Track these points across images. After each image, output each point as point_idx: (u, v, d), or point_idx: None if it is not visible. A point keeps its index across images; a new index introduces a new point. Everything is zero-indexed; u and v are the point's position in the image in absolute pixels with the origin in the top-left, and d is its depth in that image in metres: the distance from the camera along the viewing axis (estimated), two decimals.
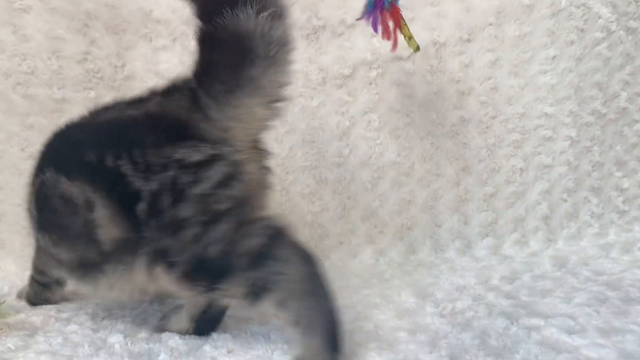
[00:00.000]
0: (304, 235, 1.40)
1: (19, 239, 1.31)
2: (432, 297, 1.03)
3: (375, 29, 1.08)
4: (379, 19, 1.07)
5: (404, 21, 1.10)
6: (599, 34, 1.44)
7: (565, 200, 1.47)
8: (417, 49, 1.16)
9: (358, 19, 1.12)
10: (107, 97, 1.34)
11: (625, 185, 1.51)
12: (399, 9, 1.08)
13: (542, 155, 1.45)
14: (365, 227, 1.42)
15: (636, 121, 1.51)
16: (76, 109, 1.32)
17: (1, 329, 0.88)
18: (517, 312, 0.93)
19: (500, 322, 0.89)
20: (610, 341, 0.80)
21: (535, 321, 0.89)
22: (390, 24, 1.10)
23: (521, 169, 1.45)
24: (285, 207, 1.42)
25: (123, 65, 1.35)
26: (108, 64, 1.34)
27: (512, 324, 0.88)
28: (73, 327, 0.90)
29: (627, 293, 1.04)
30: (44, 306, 1.00)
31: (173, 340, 0.83)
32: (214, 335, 0.86)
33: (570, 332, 0.84)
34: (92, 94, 1.34)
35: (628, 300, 0.99)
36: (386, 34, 1.08)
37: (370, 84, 1.42)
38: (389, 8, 1.07)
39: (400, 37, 1.13)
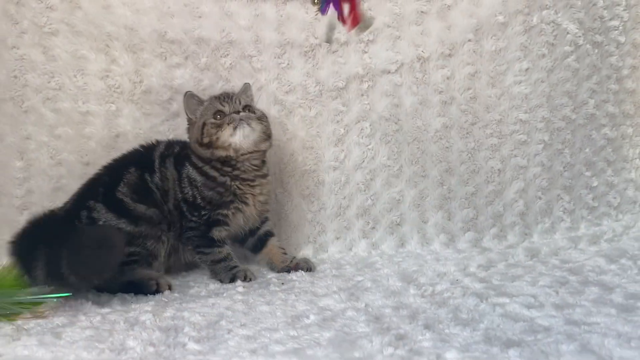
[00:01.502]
0: (304, 231, 1.55)
1: None
2: (416, 282, 1.18)
3: (340, 14, 1.01)
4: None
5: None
6: (567, 48, 1.60)
7: (540, 198, 1.62)
8: (367, 27, 1.08)
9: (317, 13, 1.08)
10: (126, 110, 1.50)
11: (595, 184, 1.66)
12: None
13: (518, 157, 1.60)
14: (359, 223, 1.57)
15: (603, 125, 1.67)
16: (99, 121, 1.49)
17: (47, 310, 1.03)
18: (487, 293, 1.08)
19: (472, 300, 1.04)
20: (561, 313, 0.95)
21: (501, 300, 1.04)
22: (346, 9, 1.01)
23: (499, 170, 1.60)
24: (287, 207, 1.57)
25: (141, 81, 1.50)
26: (127, 80, 1.49)
27: (482, 302, 1.03)
28: (107, 309, 1.06)
29: (586, 277, 1.19)
30: (80, 291, 1.15)
31: (194, 317, 0.99)
32: (230, 313, 1.01)
33: (529, 307, 0.99)
34: (113, 107, 1.49)
35: (585, 283, 1.14)
36: (348, 24, 1.01)
37: (362, 95, 1.57)
38: None
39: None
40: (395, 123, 1.58)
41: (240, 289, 1.17)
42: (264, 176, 1.37)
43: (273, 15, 1.53)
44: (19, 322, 0.97)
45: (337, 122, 1.57)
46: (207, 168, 1.31)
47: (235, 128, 1.28)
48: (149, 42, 1.49)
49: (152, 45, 1.50)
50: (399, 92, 1.57)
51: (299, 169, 1.58)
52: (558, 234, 1.60)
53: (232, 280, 1.24)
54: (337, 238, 1.56)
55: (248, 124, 1.29)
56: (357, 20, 1.02)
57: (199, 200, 1.29)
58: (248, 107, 1.35)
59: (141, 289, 1.16)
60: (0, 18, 1.43)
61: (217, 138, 1.28)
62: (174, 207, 1.30)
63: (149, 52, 1.50)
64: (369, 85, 1.57)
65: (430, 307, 1.01)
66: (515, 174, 1.61)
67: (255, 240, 1.40)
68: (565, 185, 1.63)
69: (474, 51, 1.57)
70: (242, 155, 1.31)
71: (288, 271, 1.32)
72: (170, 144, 1.38)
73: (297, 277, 1.27)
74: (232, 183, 1.30)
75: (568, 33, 1.59)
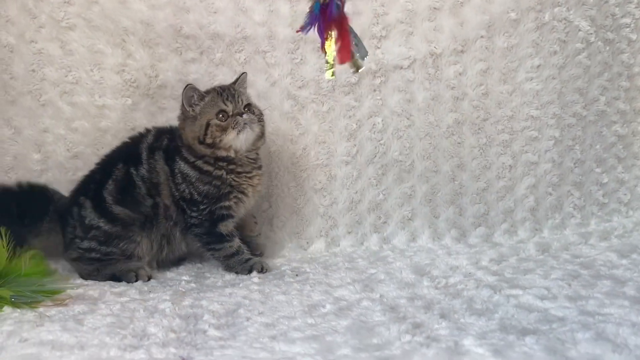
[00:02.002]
0: (317, 225, 1.57)
1: None
2: (429, 275, 1.20)
3: (322, 37, 0.88)
4: (324, 27, 0.87)
5: (353, 34, 0.89)
6: (579, 45, 1.60)
7: (550, 194, 1.62)
8: (358, 69, 0.93)
9: (298, 31, 0.92)
10: (142, 104, 1.52)
11: (605, 180, 1.66)
12: (347, 18, 0.88)
13: (529, 153, 1.61)
14: (371, 218, 1.58)
15: (614, 122, 1.67)
16: (115, 115, 1.51)
17: (66, 299, 1.05)
18: (500, 285, 1.10)
19: (485, 292, 1.05)
20: (575, 305, 0.96)
21: (515, 291, 1.05)
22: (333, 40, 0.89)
23: (510, 166, 1.61)
24: (299, 201, 1.59)
25: (156, 76, 1.52)
26: (143, 75, 1.51)
27: (495, 293, 1.04)
28: (126, 298, 1.08)
29: (598, 271, 1.20)
30: (98, 282, 1.18)
31: (212, 306, 1.00)
32: (247, 302, 1.03)
33: (543, 298, 1.00)
34: (129, 101, 1.51)
35: (597, 276, 1.15)
36: (323, 48, 0.89)
37: (375, 90, 1.59)
38: (336, 16, 0.86)
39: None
40: (408, 118, 1.59)
41: (255, 279, 1.19)
42: (259, 167, 1.39)
43: (287, 11, 1.54)
44: (41, 309, 0.99)
45: (350, 117, 1.59)
46: (199, 163, 1.30)
47: (239, 132, 1.28)
48: (164, 37, 1.51)
49: (168, 40, 1.51)
50: (411, 88, 1.58)
51: (312, 164, 1.59)
52: (568, 230, 1.60)
53: (250, 271, 1.26)
54: (349, 232, 1.57)
55: (251, 128, 1.30)
56: (347, 56, 0.87)
57: (195, 196, 1.29)
58: (248, 106, 1.34)
59: (121, 280, 1.21)
60: (18, 12, 1.45)
61: (221, 140, 1.28)
62: (173, 203, 1.30)
63: (164, 47, 1.51)
64: (381, 80, 1.58)
65: (444, 298, 1.03)
66: (526, 169, 1.61)
67: None
68: (576, 182, 1.64)
69: (486, 47, 1.58)
70: (240, 154, 1.32)
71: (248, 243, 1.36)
72: (159, 134, 1.36)
73: (311, 269, 1.29)
74: (228, 176, 1.31)
75: (580, 30, 1.60)
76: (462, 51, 1.58)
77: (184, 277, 1.25)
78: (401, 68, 1.58)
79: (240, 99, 1.32)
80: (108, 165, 1.34)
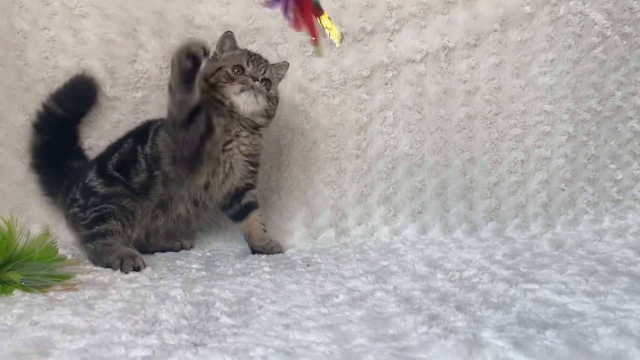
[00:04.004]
0: (326, 217, 1.55)
1: None
2: (442, 268, 1.18)
3: (286, 16, 0.87)
4: (289, 6, 0.86)
5: (323, 12, 0.88)
6: (594, 39, 1.58)
7: (563, 190, 1.61)
8: (341, 39, 0.96)
9: (264, 5, 0.91)
10: (153, 96, 1.51)
11: (619, 176, 1.64)
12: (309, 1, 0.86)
13: (541, 148, 1.60)
14: (380, 210, 1.57)
15: (630, 118, 1.65)
16: (126, 107, 1.50)
17: (76, 284, 1.04)
18: (516, 279, 1.08)
19: (501, 286, 1.03)
20: (593, 300, 0.94)
21: (531, 286, 1.03)
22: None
23: (522, 161, 1.59)
24: (309, 193, 1.58)
25: (167, 67, 1.51)
26: (154, 66, 1.51)
27: (511, 287, 1.02)
28: (136, 284, 1.07)
29: (615, 267, 1.18)
30: (108, 269, 1.17)
31: (224, 294, 0.99)
32: (259, 290, 1.02)
33: (560, 293, 0.98)
34: (140, 93, 1.50)
35: (615, 273, 1.13)
36: (296, 24, 0.87)
37: (386, 84, 1.57)
38: None
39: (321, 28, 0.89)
40: (419, 112, 1.58)
41: (266, 268, 1.18)
42: (256, 128, 1.36)
43: None
44: (51, 293, 0.98)
45: (361, 110, 1.58)
46: None
47: (242, 90, 1.29)
48: (176, 27, 1.51)
49: (180, 30, 1.51)
50: (423, 82, 1.57)
51: (322, 157, 1.58)
52: (581, 226, 1.59)
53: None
54: (359, 224, 1.56)
55: (255, 95, 1.29)
56: (315, 35, 0.86)
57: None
58: (267, 82, 1.34)
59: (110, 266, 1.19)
60: None
61: (222, 87, 1.30)
62: (172, 164, 1.29)
63: (176, 38, 1.51)
64: (393, 74, 1.57)
65: (459, 291, 1.01)
66: (539, 165, 1.60)
67: (238, 209, 1.38)
68: (589, 178, 1.62)
69: (500, 41, 1.56)
70: (234, 112, 1.31)
71: (261, 252, 1.34)
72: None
73: (322, 259, 1.27)
74: (215, 105, 1.29)
75: (595, 24, 1.58)
76: (475, 45, 1.57)
77: (194, 266, 1.23)
78: (413, 62, 1.56)
79: (263, 70, 1.34)
80: (122, 139, 1.39)
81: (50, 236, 1.10)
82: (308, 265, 1.23)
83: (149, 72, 1.51)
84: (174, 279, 1.11)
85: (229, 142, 1.32)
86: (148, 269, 1.18)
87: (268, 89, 1.34)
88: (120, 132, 1.49)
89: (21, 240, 1.04)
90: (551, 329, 0.77)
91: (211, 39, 1.52)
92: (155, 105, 1.51)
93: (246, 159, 1.35)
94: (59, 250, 1.10)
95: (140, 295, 0.99)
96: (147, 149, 1.33)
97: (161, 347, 0.74)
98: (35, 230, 1.26)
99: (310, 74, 1.56)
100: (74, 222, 1.33)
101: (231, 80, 1.30)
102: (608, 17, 1.58)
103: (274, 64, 1.40)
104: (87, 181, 1.32)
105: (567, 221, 1.59)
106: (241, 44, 1.53)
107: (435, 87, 1.57)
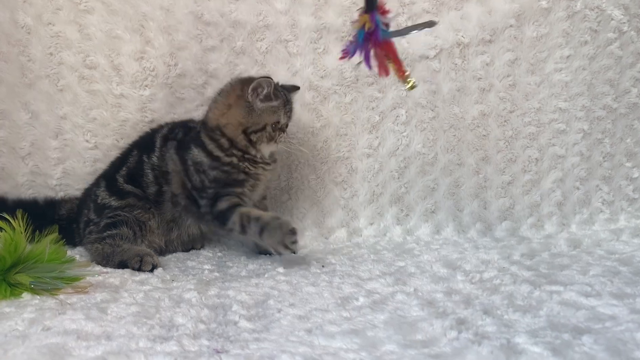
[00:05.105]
0: (337, 217, 1.52)
1: None
2: (461, 269, 1.15)
3: (368, 65, 0.90)
4: (371, 54, 0.89)
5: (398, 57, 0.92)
6: (611, 35, 1.55)
7: (578, 188, 1.58)
8: (413, 87, 0.97)
9: (342, 57, 0.91)
10: (161, 94, 1.48)
11: (635, 175, 1.61)
12: (392, 43, 0.91)
13: (556, 146, 1.57)
14: (393, 210, 1.54)
15: None
16: (133, 105, 1.47)
17: (87, 286, 1.01)
18: (539, 280, 1.05)
19: (525, 287, 1.00)
20: (622, 302, 0.91)
21: (555, 287, 1.00)
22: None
23: (537, 159, 1.57)
24: (319, 193, 1.54)
25: (176, 64, 1.48)
26: (162, 63, 1.47)
27: (535, 289, 0.99)
28: (148, 287, 1.04)
29: (638, 268, 1.15)
30: (118, 270, 1.14)
31: (240, 296, 0.96)
32: (276, 292, 0.99)
33: (587, 295, 0.95)
34: (147, 91, 1.46)
35: (639, 274, 1.11)
36: (382, 70, 0.90)
37: (399, 81, 1.54)
38: (382, 40, 0.88)
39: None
40: (432, 110, 1.55)
41: (280, 269, 1.15)
42: (275, 160, 1.37)
43: (310, 0, 1.50)
44: (61, 296, 0.95)
45: (372, 108, 1.54)
46: (212, 147, 1.27)
47: (274, 145, 1.30)
48: (184, 23, 1.47)
49: (188, 26, 1.47)
50: (436, 78, 1.54)
51: (332, 156, 1.55)
52: (597, 225, 1.56)
53: (290, 240, 1.16)
54: (371, 224, 1.53)
55: (283, 144, 1.32)
56: (401, 76, 0.93)
57: (206, 183, 1.26)
58: (286, 125, 1.34)
59: (127, 266, 1.17)
60: None
61: (260, 143, 1.28)
62: (183, 191, 1.28)
63: (184, 34, 1.47)
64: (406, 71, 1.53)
65: (482, 294, 0.98)
66: (553, 163, 1.57)
67: None
68: (605, 176, 1.60)
69: (515, 37, 1.53)
70: (258, 161, 1.31)
71: (265, 253, 1.32)
72: (174, 126, 1.37)
73: (336, 260, 1.25)
74: (241, 163, 1.28)
75: (612, 19, 1.55)
76: (490, 41, 1.53)
77: (206, 267, 1.21)
78: (427, 58, 1.53)
79: (292, 116, 1.35)
80: (126, 152, 1.37)
81: (59, 237, 1.07)
82: (323, 266, 1.20)
83: (157, 69, 1.47)
84: (187, 280, 1.08)
85: (253, 185, 1.31)
86: (159, 270, 1.15)
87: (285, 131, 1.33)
88: (127, 130, 1.46)
89: (29, 240, 1.01)
90: (587, 334, 0.75)
91: (220, 36, 1.49)
92: (164, 103, 1.48)
93: (265, 184, 1.36)
94: (68, 252, 1.07)
95: (153, 298, 0.96)
96: (155, 159, 1.31)
97: (182, 354, 0.72)
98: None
99: (321, 71, 1.52)
100: (88, 237, 1.27)
101: (270, 139, 1.28)
102: (625, 12, 1.55)
103: (290, 90, 1.36)
104: (99, 201, 1.29)
105: (582, 220, 1.56)
106: (250, 41, 1.50)
107: (449, 84, 1.54)
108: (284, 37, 1.50)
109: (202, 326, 0.82)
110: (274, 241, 1.15)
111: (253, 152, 1.28)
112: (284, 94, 1.31)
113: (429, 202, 1.55)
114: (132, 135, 1.44)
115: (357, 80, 1.54)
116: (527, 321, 0.83)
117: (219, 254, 1.35)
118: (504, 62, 1.54)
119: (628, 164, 1.61)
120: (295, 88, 1.39)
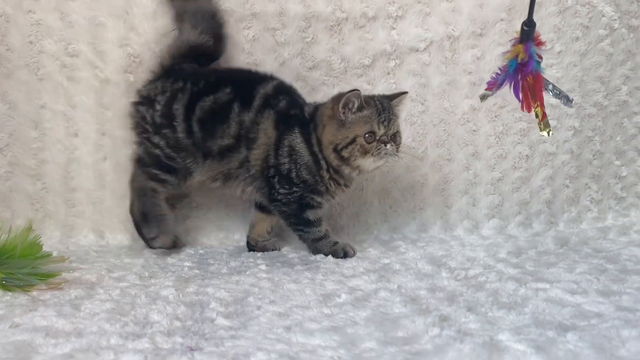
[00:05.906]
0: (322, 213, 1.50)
1: (63, 209, 1.41)
2: (446, 266, 1.14)
3: (518, 97, 0.88)
4: (520, 86, 0.87)
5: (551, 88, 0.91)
6: (602, 31, 1.54)
7: (567, 186, 1.57)
8: (549, 132, 0.94)
9: (488, 88, 0.92)
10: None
11: (624, 173, 1.61)
12: (542, 77, 0.89)
13: (546, 143, 1.55)
14: (380, 206, 1.52)
15: (635, 113, 1.62)
16: (117, 91, 1.43)
17: (61, 282, 0.98)
18: (524, 278, 1.04)
19: (510, 285, 0.99)
20: (609, 300, 0.90)
21: (541, 285, 0.99)
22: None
23: (527, 156, 1.55)
24: None
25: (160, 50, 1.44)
26: (147, 50, 1.43)
27: (521, 286, 0.98)
28: (125, 283, 1.01)
29: (624, 266, 1.15)
30: (95, 265, 1.11)
31: (219, 293, 0.94)
32: (256, 289, 0.96)
33: (573, 293, 0.94)
34: (132, 77, 1.42)
35: (625, 271, 1.10)
36: (526, 105, 0.88)
37: (389, 73, 1.51)
38: (533, 73, 0.87)
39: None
40: (422, 104, 1.53)
41: (263, 266, 1.13)
42: (350, 185, 1.33)
43: None
44: (34, 293, 0.92)
45: None
46: (317, 151, 1.23)
47: (375, 160, 1.21)
48: (170, 10, 1.43)
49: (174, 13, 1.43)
50: (426, 72, 1.52)
51: None
52: (585, 224, 1.55)
53: (345, 256, 1.22)
54: (357, 221, 1.51)
55: (386, 160, 1.23)
56: (542, 115, 0.90)
57: (293, 176, 1.23)
58: (395, 135, 1.25)
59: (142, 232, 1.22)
60: None
61: (355, 160, 1.21)
62: (260, 163, 1.24)
63: (170, 21, 1.43)
64: (395, 63, 1.51)
65: (467, 291, 0.96)
66: (543, 160, 1.56)
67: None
68: (594, 174, 1.59)
69: (506, 31, 1.51)
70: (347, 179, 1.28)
71: (253, 250, 1.33)
72: (279, 90, 1.29)
73: (320, 257, 1.22)
74: (329, 180, 1.26)
75: (603, 16, 1.53)
76: (480, 34, 1.51)
77: (186, 264, 1.18)
78: (417, 51, 1.51)
79: (392, 125, 1.24)
80: (221, 79, 1.29)
81: (34, 232, 1.03)
82: (306, 263, 1.18)
83: (141, 56, 1.43)
84: (166, 277, 1.05)
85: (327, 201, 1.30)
86: (138, 267, 1.12)
87: (397, 143, 1.25)
88: (109, 115, 1.42)
89: (2, 236, 0.97)
90: (572, 332, 0.73)
91: None
92: None
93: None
94: (44, 246, 1.04)
95: (129, 295, 0.93)
96: (246, 118, 1.24)
97: (154, 351, 0.69)
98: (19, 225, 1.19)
99: (309, 62, 1.49)
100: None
101: (365, 152, 1.20)
102: (616, 9, 1.53)
103: (391, 97, 1.28)
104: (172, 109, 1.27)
105: (570, 219, 1.56)
106: (237, 29, 1.46)
107: (439, 77, 1.52)
108: (272, 26, 1.47)
109: (177, 323, 0.80)
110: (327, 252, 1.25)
111: (347, 170, 1.23)
112: (377, 102, 1.24)
113: (418, 198, 1.53)
114: (114, 120, 1.39)
115: (345, 71, 1.51)
116: (511, 318, 0.81)
117: (201, 251, 1.32)
118: (495, 56, 1.52)
119: (617, 163, 1.60)
120: (401, 94, 1.30)
